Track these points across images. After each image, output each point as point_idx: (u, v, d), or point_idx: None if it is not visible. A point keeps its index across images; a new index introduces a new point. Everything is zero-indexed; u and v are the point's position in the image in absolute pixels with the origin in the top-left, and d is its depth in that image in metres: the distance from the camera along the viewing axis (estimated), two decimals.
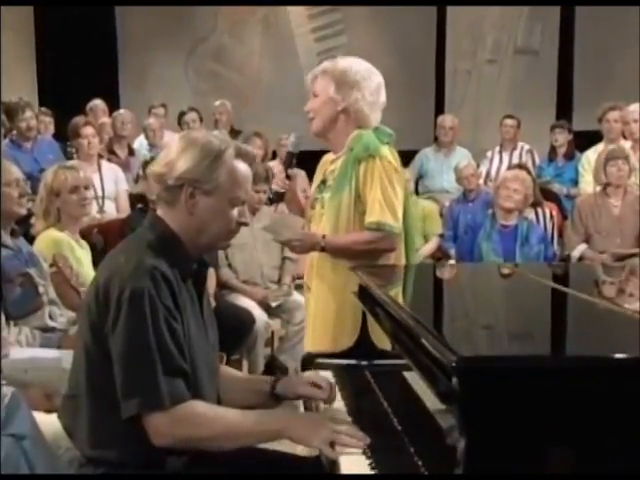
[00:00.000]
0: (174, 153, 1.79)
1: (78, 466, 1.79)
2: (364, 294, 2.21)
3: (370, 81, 2.62)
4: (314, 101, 2.66)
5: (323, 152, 2.84)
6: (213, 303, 4.23)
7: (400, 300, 1.94)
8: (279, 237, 2.68)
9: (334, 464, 1.65)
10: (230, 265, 4.56)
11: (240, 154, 1.84)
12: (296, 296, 4.52)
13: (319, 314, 2.70)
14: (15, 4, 7.37)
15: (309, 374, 2.11)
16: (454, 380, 1.28)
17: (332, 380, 2.03)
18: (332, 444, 1.65)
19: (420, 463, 1.53)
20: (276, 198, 2.69)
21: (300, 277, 4.05)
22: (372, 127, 2.64)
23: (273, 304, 4.55)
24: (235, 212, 1.84)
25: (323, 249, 2.60)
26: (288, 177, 2.69)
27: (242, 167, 1.83)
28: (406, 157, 6.50)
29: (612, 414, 1.29)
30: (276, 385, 1.97)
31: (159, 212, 1.84)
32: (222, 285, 4.54)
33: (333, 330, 2.63)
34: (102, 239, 4.47)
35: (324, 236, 2.60)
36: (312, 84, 2.68)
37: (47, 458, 2.13)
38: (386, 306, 1.86)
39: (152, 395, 1.64)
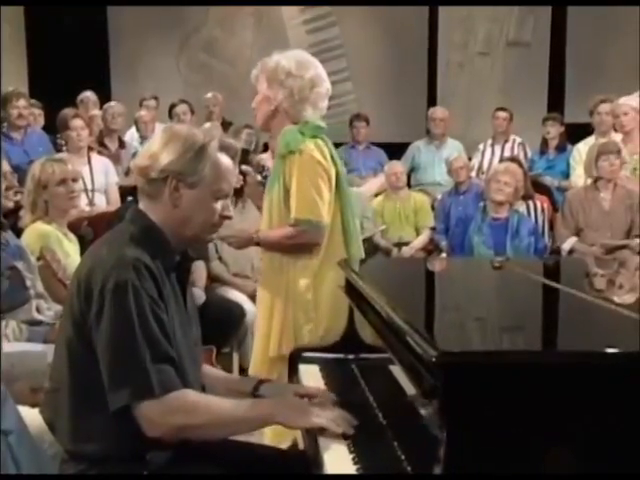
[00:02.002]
0: (157, 146, 1.79)
1: (60, 461, 1.79)
2: (350, 288, 2.20)
3: (298, 78, 2.61)
4: (256, 98, 2.70)
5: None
6: (204, 296, 4.25)
7: (386, 294, 1.94)
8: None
9: (318, 456, 1.66)
10: (220, 258, 4.55)
11: (223, 147, 1.84)
12: None
13: (260, 310, 2.76)
14: (15, 4, 7.35)
15: (300, 386, 2.06)
16: (434, 375, 1.28)
17: (327, 392, 1.96)
18: (321, 429, 1.67)
19: (403, 457, 1.53)
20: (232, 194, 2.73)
21: None
22: (304, 121, 2.63)
23: None
24: (219, 205, 1.84)
25: (257, 244, 2.69)
26: (242, 173, 2.70)
27: (225, 160, 1.84)
28: (399, 149, 6.56)
29: (596, 409, 1.29)
30: (259, 387, 1.96)
31: (141, 205, 1.84)
32: (213, 278, 4.53)
33: (267, 330, 2.66)
34: (92, 232, 4.45)
35: (257, 231, 2.67)
36: (256, 80, 2.70)
37: (32, 453, 2.11)
38: (370, 300, 1.86)
39: (142, 384, 1.63)
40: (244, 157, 2.78)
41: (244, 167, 2.72)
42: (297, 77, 2.60)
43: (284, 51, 2.71)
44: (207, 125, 5.88)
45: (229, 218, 1.89)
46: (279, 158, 2.64)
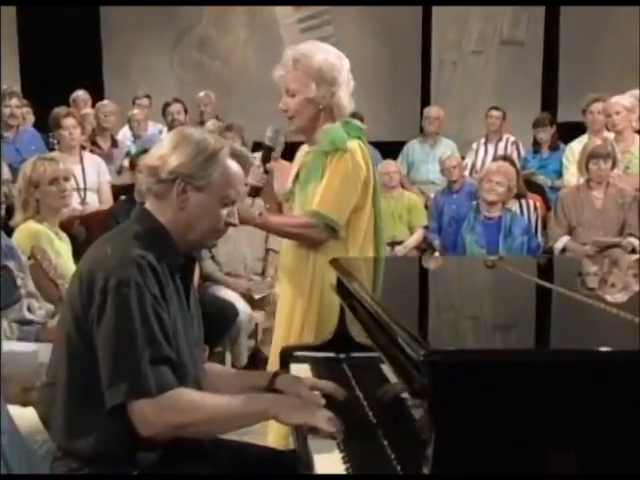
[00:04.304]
0: (168, 147, 1.80)
1: (52, 459, 1.79)
2: (341, 287, 2.20)
3: (344, 71, 2.56)
4: (292, 100, 2.56)
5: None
6: (196, 295, 4.23)
7: (377, 293, 1.94)
8: None
9: (307, 455, 1.66)
10: (213, 257, 4.54)
11: (234, 154, 1.84)
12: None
13: (281, 306, 2.70)
14: (15, 4, 7.33)
15: (314, 379, 2.05)
16: (423, 373, 1.28)
17: (338, 388, 1.94)
18: (312, 428, 1.67)
19: (393, 456, 1.53)
20: (253, 192, 2.63)
21: None
22: (344, 119, 2.59)
23: (256, 296, 4.55)
24: (224, 212, 1.84)
25: (257, 225, 2.56)
26: (266, 171, 2.64)
27: (235, 167, 1.84)
28: (392, 148, 6.55)
29: (587, 407, 1.29)
30: (275, 380, 1.94)
31: (148, 205, 1.84)
32: (205, 277, 4.53)
33: (287, 329, 2.60)
34: (84, 231, 4.44)
35: (261, 214, 2.53)
36: (282, 79, 2.57)
37: (23, 454, 2.11)
38: (361, 299, 1.85)
39: (139, 383, 1.63)
40: (268, 155, 2.68)
41: (268, 165, 2.63)
42: (342, 71, 2.55)
43: (294, 47, 2.59)
44: (209, 124, 5.85)
45: (234, 225, 1.89)
46: (320, 154, 2.54)
